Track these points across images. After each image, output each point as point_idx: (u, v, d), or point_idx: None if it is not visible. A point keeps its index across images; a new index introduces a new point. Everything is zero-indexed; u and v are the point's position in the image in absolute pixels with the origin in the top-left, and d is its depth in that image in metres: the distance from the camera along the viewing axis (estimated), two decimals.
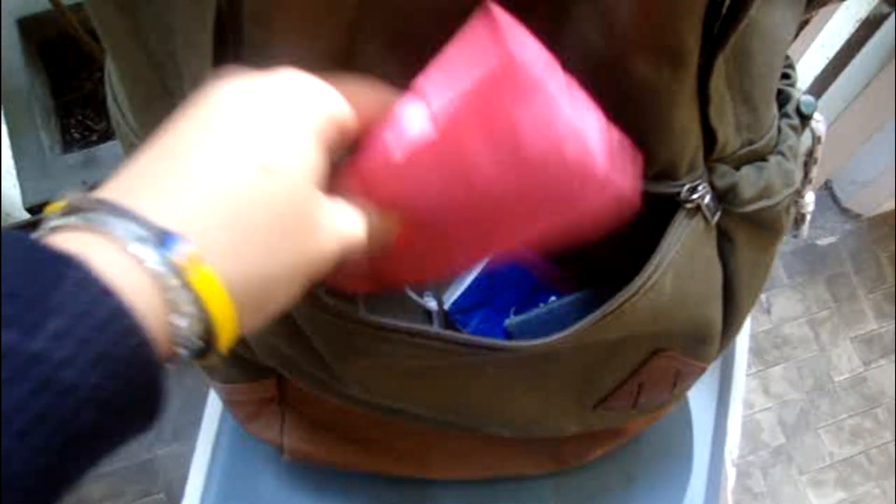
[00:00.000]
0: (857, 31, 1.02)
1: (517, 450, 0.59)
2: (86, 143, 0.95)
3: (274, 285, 0.26)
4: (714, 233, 0.40)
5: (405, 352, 0.38)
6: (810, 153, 0.46)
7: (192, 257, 0.22)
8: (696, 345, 0.46)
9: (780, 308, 1.58)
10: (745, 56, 0.36)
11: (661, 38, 0.31)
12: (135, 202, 0.23)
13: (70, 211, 0.22)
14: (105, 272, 0.21)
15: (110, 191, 0.23)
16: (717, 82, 0.34)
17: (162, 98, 0.35)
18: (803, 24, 0.97)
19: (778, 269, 1.59)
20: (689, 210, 0.37)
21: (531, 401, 0.47)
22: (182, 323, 0.22)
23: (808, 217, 0.49)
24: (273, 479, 0.62)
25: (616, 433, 0.59)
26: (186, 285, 0.22)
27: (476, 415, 0.50)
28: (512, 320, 0.48)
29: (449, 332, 0.38)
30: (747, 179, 0.39)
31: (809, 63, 1.13)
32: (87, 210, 0.22)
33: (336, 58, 0.32)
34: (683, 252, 0.37)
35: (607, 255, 0.40)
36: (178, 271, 0.22)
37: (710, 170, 0.38)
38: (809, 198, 0.48)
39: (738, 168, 0.39)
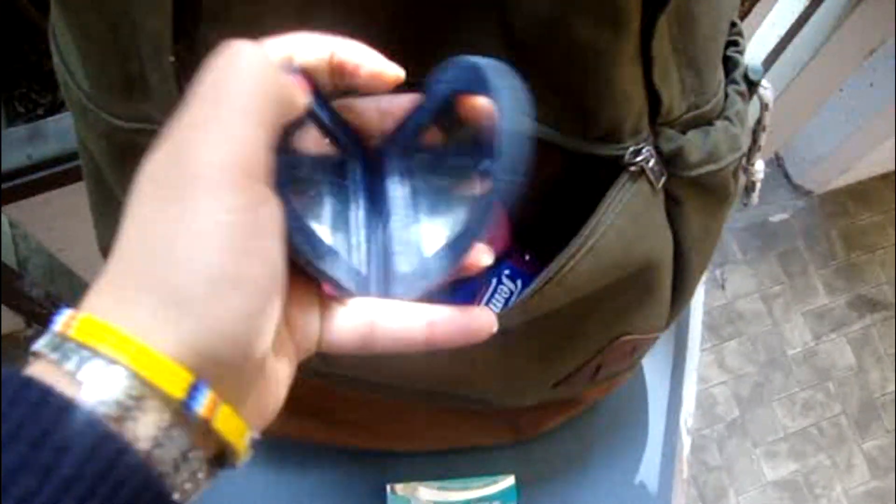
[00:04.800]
0: (806, 8, 1.04)
1: (474, 421, 0.58)
2: (30, 116, 0.92)
3: None
4: (662, 197, 0.40)
5: None
6: (759, 121, 0.46)
7: None
8: (648, 313, 0.46)
9: (734, 284, 1.61)
10: (688, 19, 0.36)
11: None
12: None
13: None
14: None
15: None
16: (661, 45, 0.34)
17: (116, 59, 0.33)
18: (754, 2, 0.98)
19: (731, 245, 1.61)
20: (632, 173, 0.37)
21: (491, 377, 0.47)
22: None
23: (759, 185, 0.49)
24: None
25: (572, 403, 0.59)
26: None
27: (434, 385, 0.49)
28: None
29: None
30: (693, 143, 0.39)
31: (761, 41, 1.15)
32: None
33: (294, 16, 0.31)
34: (627, 214, 0.37)
35: (558, 224, 0.40)
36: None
37: (655, 134, 0.38)
38: (759, 165, 0.48)
39: (684, 132, 0.39)
